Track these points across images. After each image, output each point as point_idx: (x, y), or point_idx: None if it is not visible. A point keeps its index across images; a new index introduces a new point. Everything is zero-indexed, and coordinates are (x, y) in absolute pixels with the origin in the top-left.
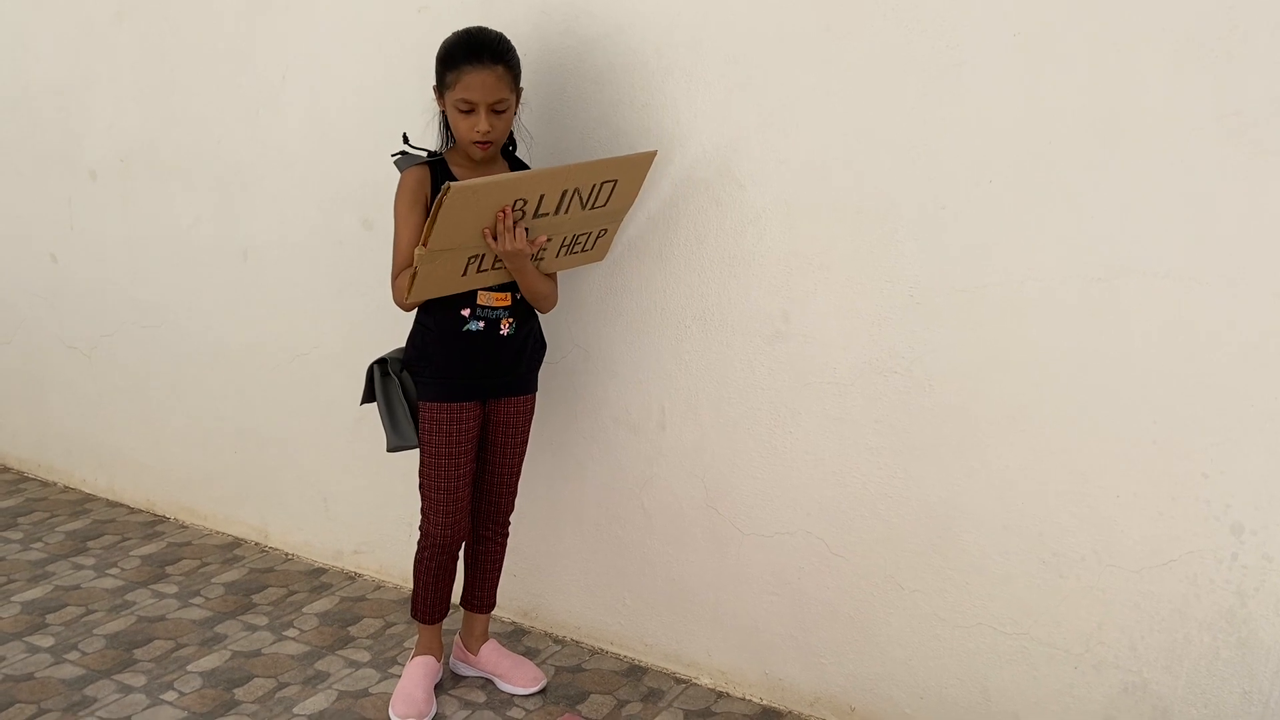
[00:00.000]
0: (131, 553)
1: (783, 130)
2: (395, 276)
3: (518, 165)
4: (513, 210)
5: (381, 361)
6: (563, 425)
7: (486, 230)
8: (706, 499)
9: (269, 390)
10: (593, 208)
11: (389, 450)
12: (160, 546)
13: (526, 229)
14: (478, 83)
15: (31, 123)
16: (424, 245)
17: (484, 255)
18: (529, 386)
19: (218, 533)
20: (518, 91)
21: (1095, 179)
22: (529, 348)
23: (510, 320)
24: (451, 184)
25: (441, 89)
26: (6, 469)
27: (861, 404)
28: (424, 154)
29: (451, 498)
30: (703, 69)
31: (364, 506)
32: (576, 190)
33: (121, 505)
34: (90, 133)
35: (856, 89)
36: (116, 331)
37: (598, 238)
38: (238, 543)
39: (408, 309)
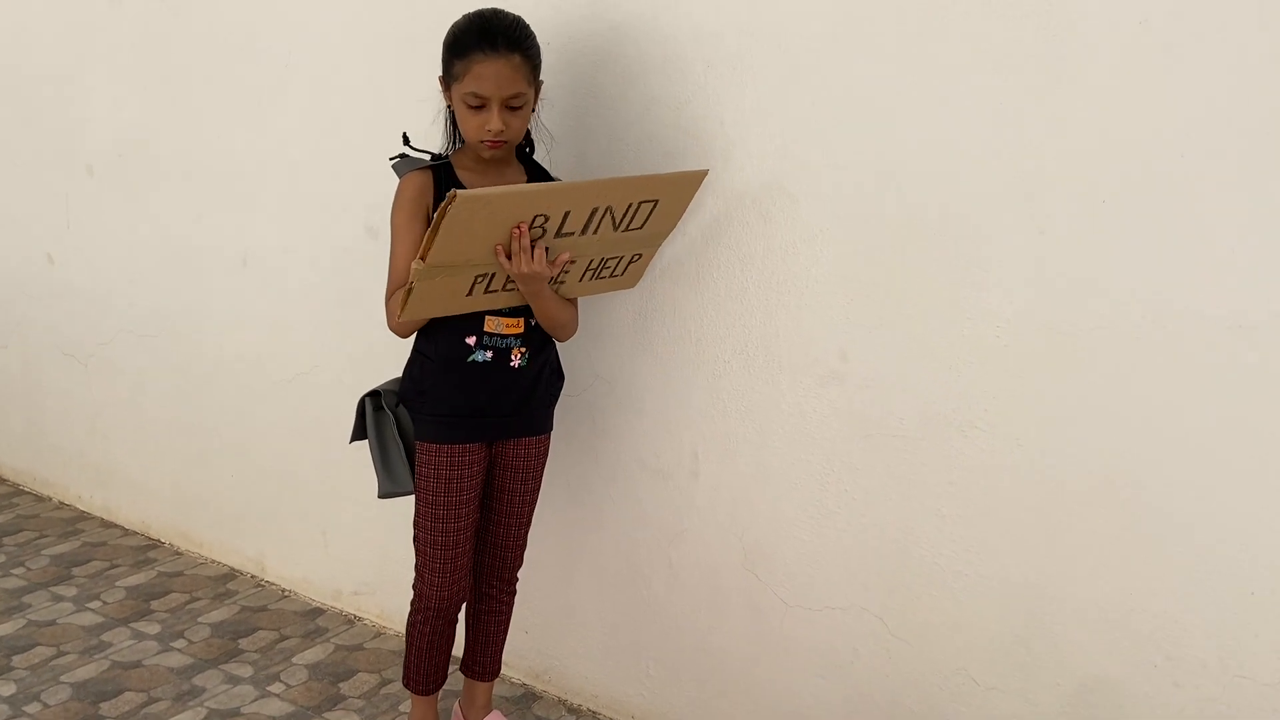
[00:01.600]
0: (118, 583)
1: (846, 134)
2: (389, 296)
3: (536, 171)
4: (531, 227)
5: (374, 394)
6: (581, 468)
7: (499, 247)
8: (745, 561)
9: (269, 409)
10: (626, 230)
11: (381, 496)
12: (149, 577)
13: (546, 249)
14: (490, 74)
15: (27, 112)
16: (421, 259)
17: (494, 274)
18: (543, 426)
19: (213, 562)
20: (536, 85)
21: (1237, 203)
22: (543, 381)
23: (523, 350)
24: (457, 192)
25: (448, 80)
26: (2, 480)
27: (932, 462)
28: (426, 157)
29: (450, 554)
30: (751, 60)
31: (366, 543)
32: (609, 209)
33: (115, 526)
34: (87, 124)
35: (938, 86)
36: (114, 340)
37: (630, 262)
38: (233, 574)
39: (402, 333)
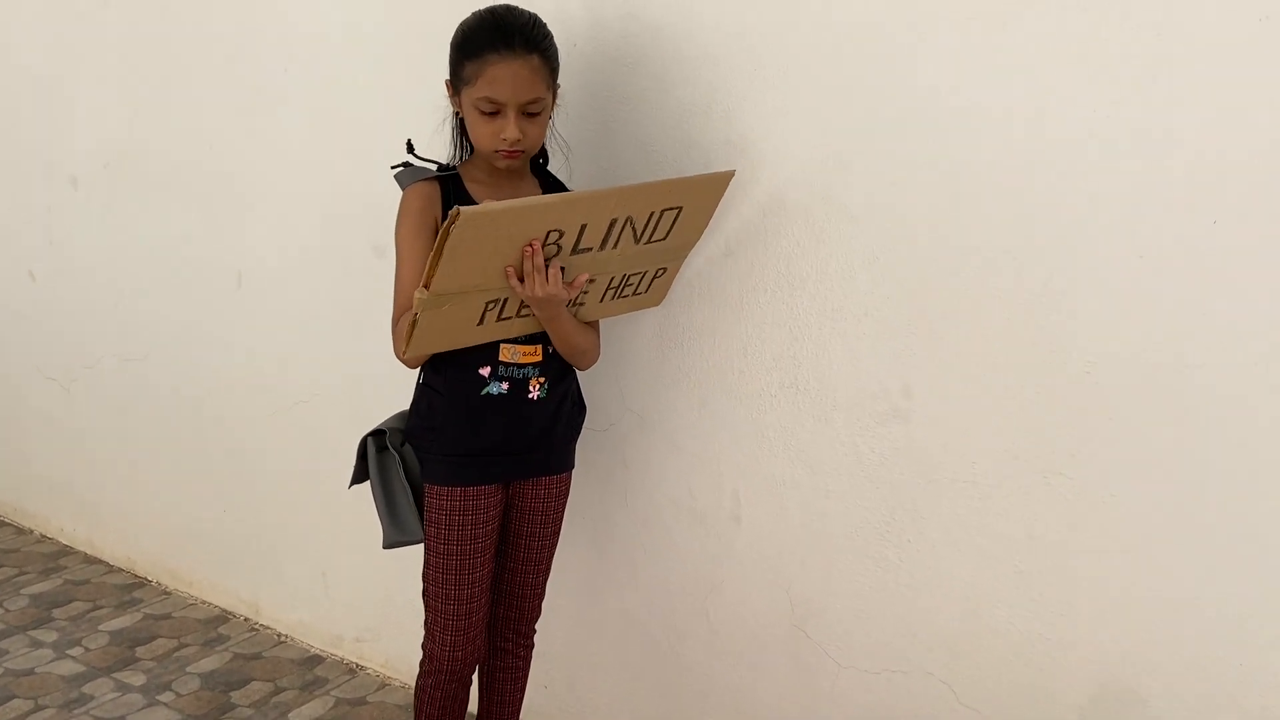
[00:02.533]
0: (100, 627)
1: (914, 146)
2: (395, 320)
3: (551, 184)
4: (545, 244)
5: (377, 433)
6: (607, 509)
7: (510, 269)
8: (792, 616)
9: (265, 440)
10: (649, 242)
11: (386, 547)
12: (135, 619)
13: (563, 268)
14: (506, 76)
15: (5, 119)
16: (425, 286)
17: (507, 299)
18: (564, 463)
19: (203, 603)
20: (554, 89)
21: None
22: (564, 414)
23: (541, 380)
24: (461, 209)
25: (458, 84)
26: None
27: (1009, 512)
28: (432, 167)
29: (464, 609)
30: (803, 62)
31: (370, 585)
32: (629, 219)
33: (100, 562)
34: (71, 133)
35: (1022, 92)
36: (98, 363)
37: (654, 278)
38: (224, 617)
39: (409, 364)
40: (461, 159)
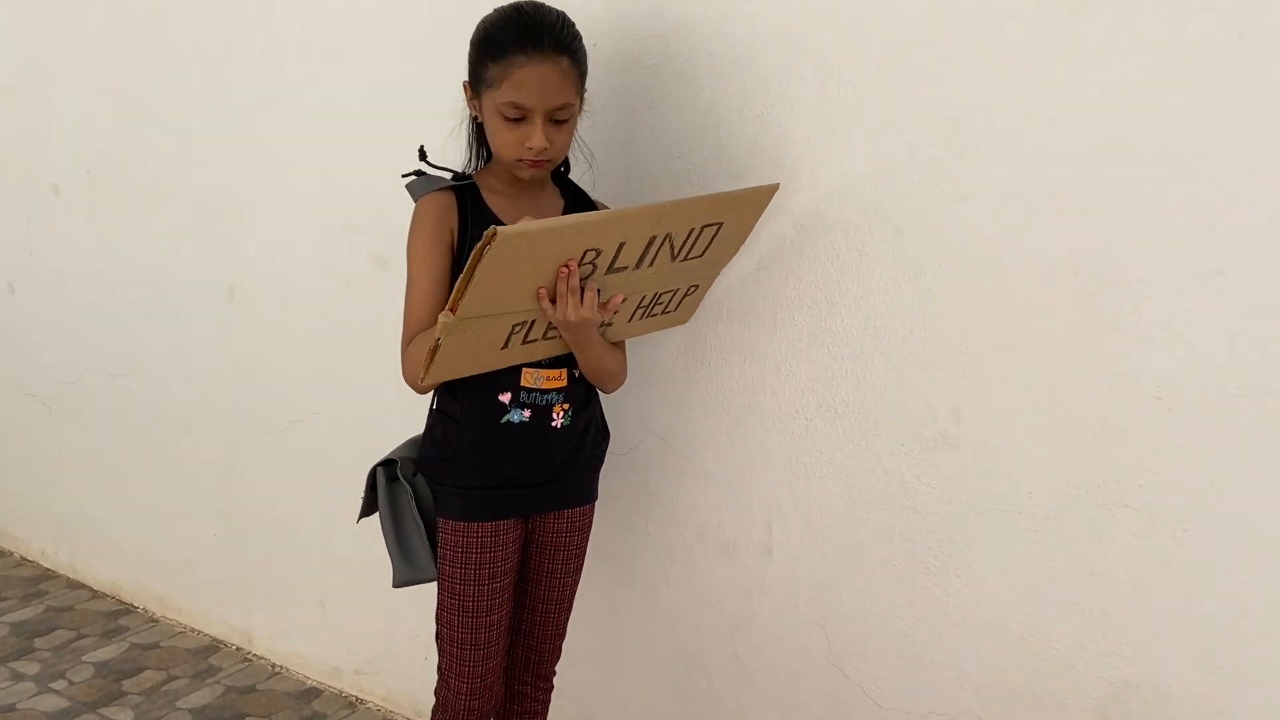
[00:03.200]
0: (85, 658)
1: (964, 152)
2: (406, 344)
3: (574, 194)
4: (580, 263)
5: (388, 463)
6: (629, 540)
7: (543, 291)
8: (828, 654)
9: (259, 461)
10: (686, 259)
11: (396, 585)
12: (121, 650)
13: (598, 289)
14: (534, 80)
15: None
16: (451, 311)
17: (534, 320)
18: (587, 494)
19: (193, 631)
20: (582, 94)
21: None
22: (589, 442)
23: (565, 406)
24: (498, 229)
25: (478, 86)
26: None
27: (1070, 547)
28: (447, 175)
29: (481, 654)
30: (847, 64)
31: (371, 614)
32: (668, 236)
33: (84, 587)
34: (53, 136)
35: (1081, 94)
36: (81, 378)
37: (685, 296)
38: (215, 646)
39: (423, 391)
40: (478, 167)
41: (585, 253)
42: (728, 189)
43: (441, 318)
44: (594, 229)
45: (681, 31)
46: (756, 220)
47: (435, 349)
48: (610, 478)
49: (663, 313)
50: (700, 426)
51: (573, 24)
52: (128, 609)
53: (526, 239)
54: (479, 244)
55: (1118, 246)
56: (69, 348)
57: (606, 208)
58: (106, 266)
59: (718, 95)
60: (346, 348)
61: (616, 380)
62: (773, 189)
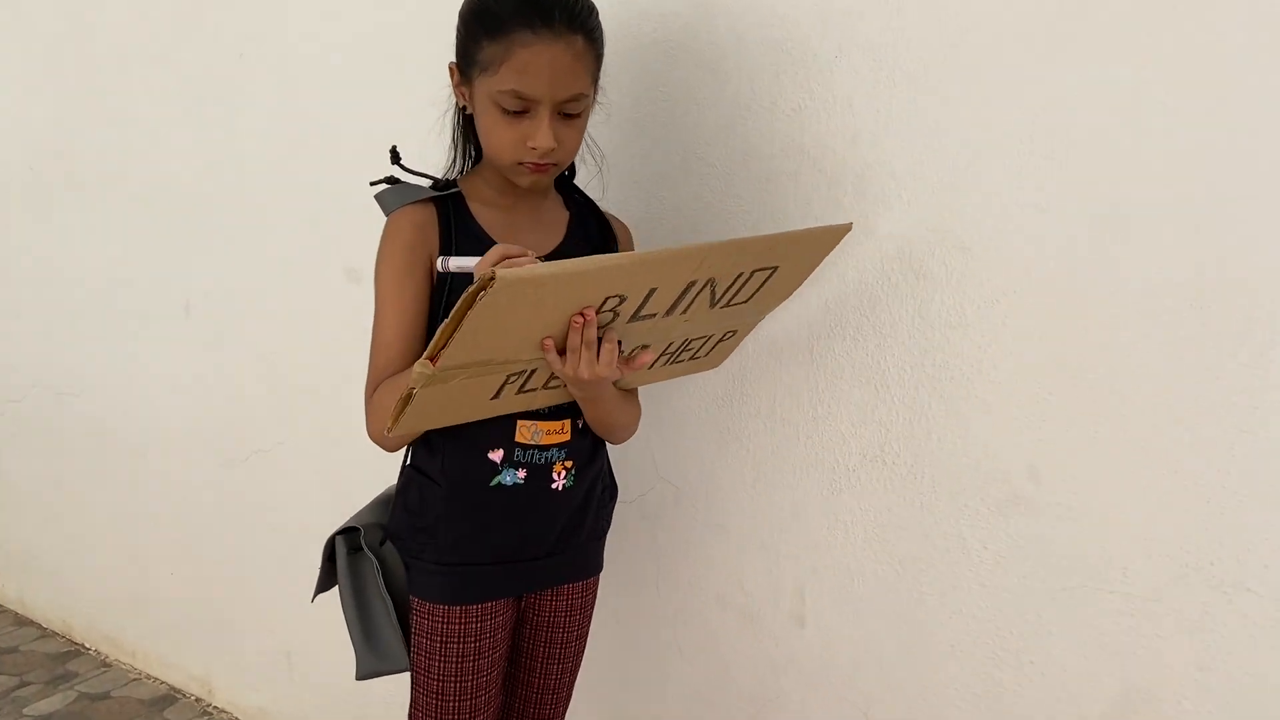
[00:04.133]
0: (27, 710)
1: (1050, 153)
2: (371, 392)
3: (580, 205)
4: (600, 309)
5: (349, 531)
6: (637, 600)
7: (549, 342)
8: None
9: (218, 494)
10: (727, 305)
11: (360, 678)
12: (68, 699)
13: (619, 340)
14: (543, 63)
15: None
16: (430, 360)
17: (535, 369)
18: (591, 565)
19: (148, 678)
20: (597, 83)
21: None
22: (595, 504)
23: (568, 464)
24: (498, 272)
25: (469, 69)
26: None
27: (1174, 633)
28: (425, 183)
29: None
30: (904, 47)
31: (343, 669)
32: (710, 282)
33: (32, 624)
34: None
35: (1199, 87)
36: (25, 397)
37: (719, 341)
38: (172, 696)
39: (390, 447)
40: (464, 170)
41: (606, 299)
42: (758, 196)
43: (418, 367)
44: (621, 274)
45: (704, 8)
46: (818, 264)
47: (408, 398)
48: (614, 528)
49: (690, 359)
50: (719, 473)
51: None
52: (78, 650)
53: (534, 285)
54: (471, 288)
55: (1244, 271)
56: (12, 364)
57: (620, 221)
58: (52, 276)
59: (746, 85)
60: (315, 368)
61: (629, 432)
62: (844, 229)
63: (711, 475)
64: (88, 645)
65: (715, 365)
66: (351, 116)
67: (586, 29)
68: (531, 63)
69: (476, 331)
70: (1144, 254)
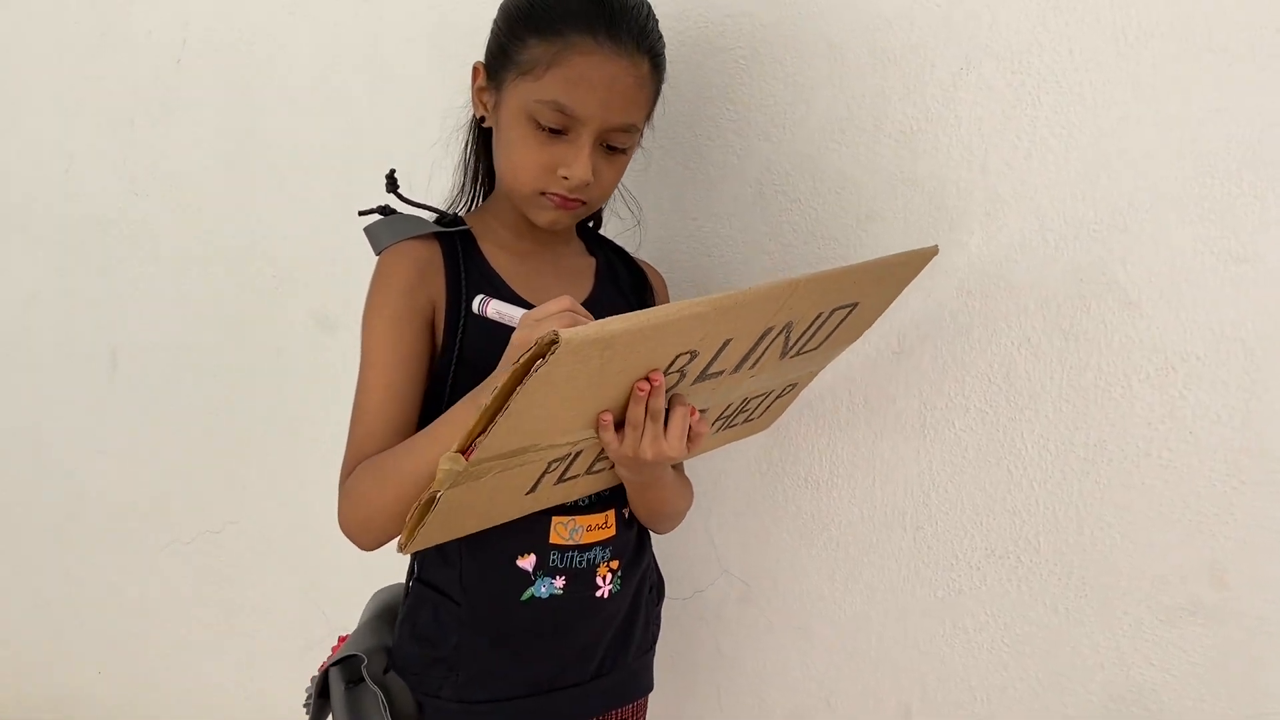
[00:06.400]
0: None
1: (1253, 190)
2: (349, 471)
3: (612, 256)
4: (667, 371)
5: (348, 660)
6: (695, 713)
7: (607, 418)
8: None
9: (156, 580)
10: (799, 354)
11: None
12: None
13: (690, 408)
14: (600, 78)
15: None
16: (463, 454)
17: (581, 452)
18: (642, 683)
19: None
20: (648, 123)
21: None
22: (643, 611)
23: (614, 565)
24: (562, 333)
25: (502, 70)
26: None
27: None
28: (427, 216)
29: None
30: (1050, 54)
31: None
32: (788, 326)
33: None
34: None
35: None
36: None
37: (777, 398)
38: None
39: (368, 548)
40: (473, 203)
41: (676, 357)
42: (854, 236)
43: (445, 462)
44: (699, 324)
45: (785, 8)
46: (897, 296)
47: (430, 504)
48: (667, 631)
49: (744, 422)
50: (800, 569)
51: (655, 17)
52: None
53: (601, 345)
54: (523, 353)
55: None
56: None
57: (653, 268)
58: None
59: (841, 102)
60: (275, 432)
61: (678, 520)
62: (929, 253)
63: (789, 568)
64: None
65: (766, 427)
66: (318, 133)
67: (654, 54)
68: (587, 75)
69: (523, 411)
70: None
